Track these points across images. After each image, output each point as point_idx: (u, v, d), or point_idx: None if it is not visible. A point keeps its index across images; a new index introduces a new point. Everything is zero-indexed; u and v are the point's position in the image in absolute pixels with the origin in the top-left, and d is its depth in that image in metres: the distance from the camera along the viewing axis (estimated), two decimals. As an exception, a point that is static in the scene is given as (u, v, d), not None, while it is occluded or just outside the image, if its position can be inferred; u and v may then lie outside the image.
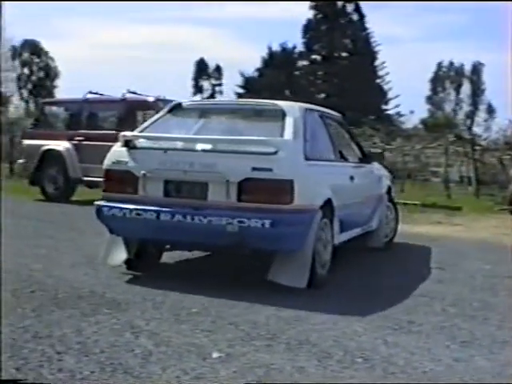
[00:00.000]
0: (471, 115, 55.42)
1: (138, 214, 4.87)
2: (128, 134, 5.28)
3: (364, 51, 42.41)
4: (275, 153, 4.73)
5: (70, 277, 5.14)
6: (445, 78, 58.32)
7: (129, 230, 5.07)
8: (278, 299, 4.56)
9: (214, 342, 3.59)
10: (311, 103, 6.33)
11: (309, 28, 43.58)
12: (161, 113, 5.78)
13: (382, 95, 43.46)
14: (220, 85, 54.36)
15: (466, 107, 56.54)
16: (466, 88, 57.26)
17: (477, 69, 56.89)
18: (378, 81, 43.54)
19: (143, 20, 77.24)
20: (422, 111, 53.16)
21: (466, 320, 4.34)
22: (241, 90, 43.47)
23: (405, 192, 17.07)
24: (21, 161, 12.81)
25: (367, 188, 6.79)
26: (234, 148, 4.90)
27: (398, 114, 43.91)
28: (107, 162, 5.19)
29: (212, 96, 51.23)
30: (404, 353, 3.56)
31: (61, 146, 11.80)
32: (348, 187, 6.01)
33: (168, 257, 5.89)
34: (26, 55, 50.02)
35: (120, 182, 5.10)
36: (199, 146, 5.00)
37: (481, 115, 55.26)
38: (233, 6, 77.46)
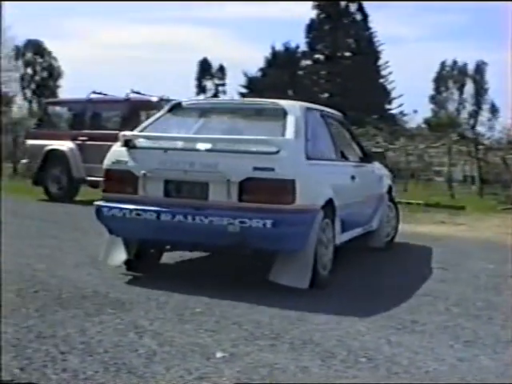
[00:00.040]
0: (474, 114, 55.32)
1: (138, 215, 4.83)
2: (128, 133, 5.23)
3: (367, 51, 42.40)
4: (277, 152, 4.70)
5: (74, 277, 5.13)
6: (448, 77, 58.18)
7: (129, 230, 5.04)
8: (280, 299, 4.56)
9: (217, 341, 3.59)
10: (314, 103, 6.33)
11: (312, 28, 43.59)
12: (161, 112, 5.74)
13: (385, 95, 43.46)
14: (223, 85, 54.37)
15: (469, 106, 56.46)
16: (470, 87, 57.15)
17: (480, 68, 56.77)
18: (381, 80, 43.53)
19: (143, 20, 77.14)
20: (425, 111, 52.98)
21: (470, 319, 4.34)
22: (244, 90, 43.48)
23: (408, 191, 17.06)
24: (24, 161, 12.82)
25: (368, 187, 6.77)
26: (234, 147, 4.87)
27: (402, 114, 43.93)
28: (107, 161, 5.15)
29: (215, 96, 51.17)
30: (407, 352, 3.56)
31: (64, 145, 11.80)
32: (349, 187, 5.99)
33: (168, 257, 5.88)
34: (29, 55, 50.04)
35: (120, 181, 5.06)
36: (200, 146, 4.96)
37: (484, 114, 55.21)
38: (233, 5, 77.35)
